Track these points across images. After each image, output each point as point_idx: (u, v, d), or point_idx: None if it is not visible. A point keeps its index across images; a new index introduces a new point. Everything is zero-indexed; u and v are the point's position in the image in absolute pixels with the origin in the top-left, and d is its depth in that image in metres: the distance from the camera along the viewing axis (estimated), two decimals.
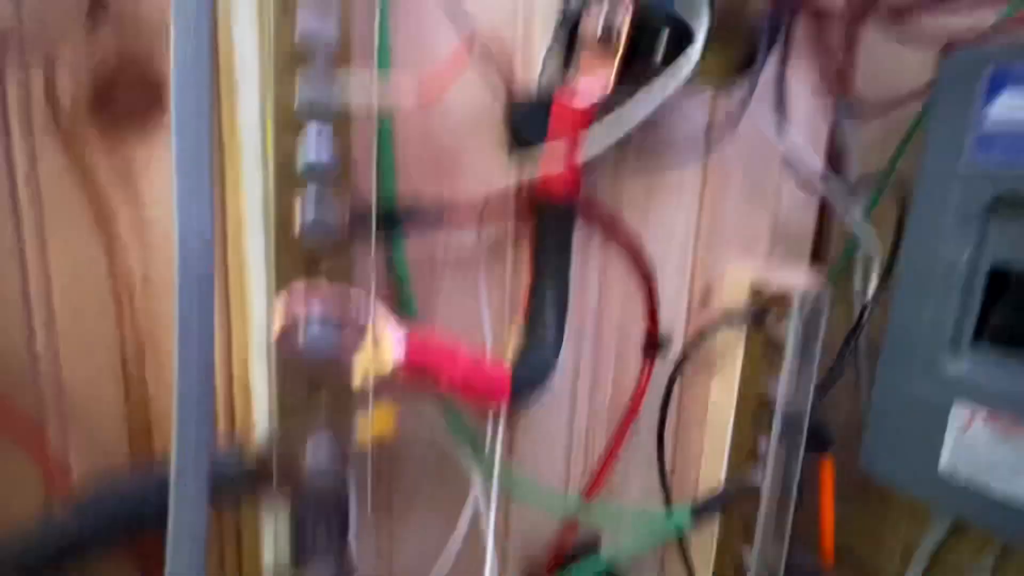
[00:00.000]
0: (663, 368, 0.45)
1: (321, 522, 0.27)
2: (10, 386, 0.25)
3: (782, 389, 0.44)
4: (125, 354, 0.27)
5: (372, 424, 0.28)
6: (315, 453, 0.26)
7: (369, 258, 0.28)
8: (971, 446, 0.49)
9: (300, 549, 0.27)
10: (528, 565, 0.42)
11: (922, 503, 0.56)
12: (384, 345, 0.26)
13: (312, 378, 0.26)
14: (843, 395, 0.61)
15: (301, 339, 0.24)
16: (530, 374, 0.32)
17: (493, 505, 0.35)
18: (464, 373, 0.28)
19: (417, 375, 0.27)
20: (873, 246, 0.49)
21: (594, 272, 0.40)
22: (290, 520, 0.27)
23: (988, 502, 0.48)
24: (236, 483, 0.25)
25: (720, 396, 0.47)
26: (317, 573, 0.27)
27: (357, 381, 0.26)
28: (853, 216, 0.48)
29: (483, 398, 0.29)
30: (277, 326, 0.24)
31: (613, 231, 0.39)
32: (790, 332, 0.43)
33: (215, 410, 0.29)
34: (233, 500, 0.25)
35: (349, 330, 0.26)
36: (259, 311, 0.25)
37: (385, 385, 0.26)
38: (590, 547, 0.45)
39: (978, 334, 0.51)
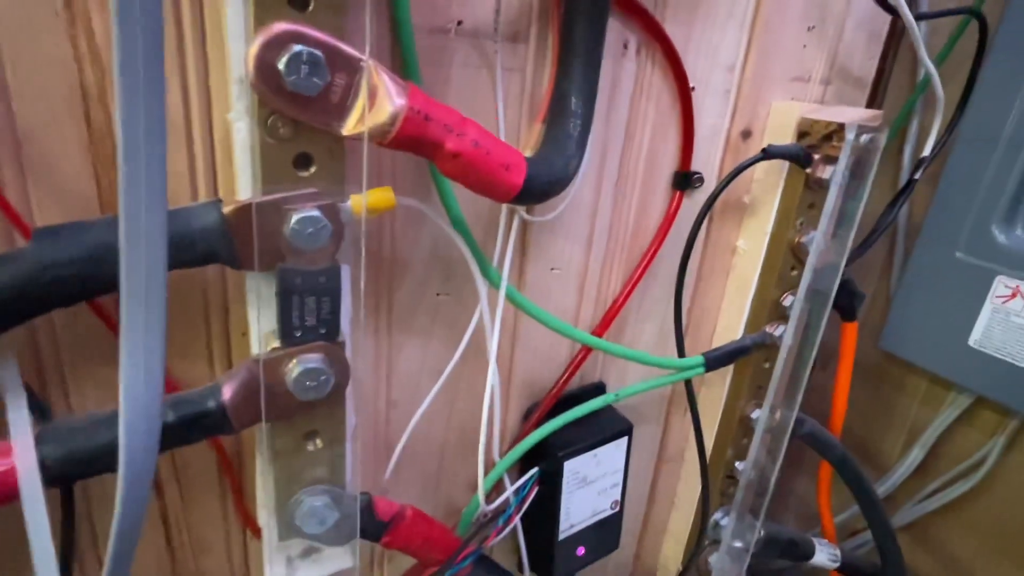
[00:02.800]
0: (691, 205, 0.41)
1: (309, 297, 0.24)
2: None
3: (819, 236, 0.40)
4: (86, 93, 0.23)
5: (368, 193, 0.24)
6: (301, 219, 0.23)
7: (364, 7, 0.23)
8: (1008, 319, 0.46)
9: (286, 324, 0.24)
10: (532, 401, 0.40)
11: (939, 384, 0.54)
12: (382, 92, 0.22)
13: (297, 134, 0.22)
14: (869, 274, 0.57)
15: (284, 79, 0.21)
16: (549, 169, 0.28)
17: (498, 317, 0.33)
18: (474, 142, 0.24)
19: (418, 135, 0.23)
20: (940, 93, 0.44)
21: (626, 84, 0.35)
22: (276, 293, 0.24)
23: (1018, 376, 0.46)
24: (212, 242, 0.22)
25: (749, 243, 0.44)
26: (305, 349, 0.25)
27: (349, 127, 0.22)
28: (924, 56, 0.42)
29: (493, 183, 0.25)
30: (254, 64, 0.20)
31: (651, 31, 0.34)
32: (837, 171, 0.39)
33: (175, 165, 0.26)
34: (202, 259, 0.22)
35: (341, 74, 0.22)
36: (237, 55, 0.21)
37: (381, 137, 0.22)
38: (596, 387, 0.43)
39: None
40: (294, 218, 0.23)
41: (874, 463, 0.60)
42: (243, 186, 0.23)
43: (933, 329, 0.51)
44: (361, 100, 0.22)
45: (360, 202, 0.24)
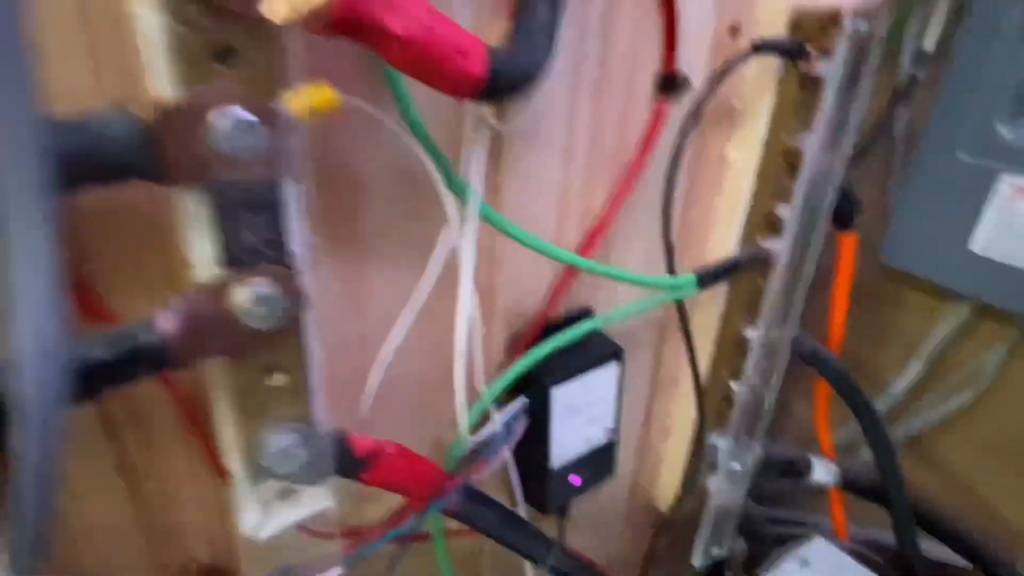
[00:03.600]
0: (678, 112, 0.38)
1: (248, 214, 0.22)
2: None
3: (816, 137, 0.37)
4: None
5: (304, 92, 0.21)
6: (227, 122, 0.20)
7: None
8: (1013, 221, 0.44)
9: (227, 246, 0.22)
10: (515, 329, 0.38)
11: (939, 293, 0.53)
12: None
13: (215, 21, 0.19)
14: (866, 189, 0.55)
15: None
16: (515, 59, 0.25)
17: (471, 235, 0.30)
18: (422, 23, 0.21)
19: (355, 14, 0.20)
20: None
21: None
22: (210, 211, 0.21)
23: (1021, 279, 0.44)
24: (124, 154, 0.19)
25: (741, 152, 0.41)
26: (253, 274, 0.22)
27: (278, 11, 0.19)
28: None
29: (448, 73, 0.22)
30: None
31: None
32: (835, 63, 0.35)
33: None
34: (115, 176, 0.19)
35: None
36: None
37: (315, 20, 0.19)
38: (583, 314, 0.41)
39: None
40: (219, 120, 0.20)
41: (873, 380, 0.59)
42: (155, 85, 0.20)
43: (934, 237, 0.48)
44: None
45: (296, 102, 0.21)
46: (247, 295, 0.22)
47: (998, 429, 0.53)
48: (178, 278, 0.27)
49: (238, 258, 0.22)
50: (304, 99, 0.21)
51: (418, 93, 0.26)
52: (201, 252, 0.22)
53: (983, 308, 0.50)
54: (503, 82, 0.24)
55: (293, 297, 0.23)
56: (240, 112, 0.20)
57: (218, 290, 0.22)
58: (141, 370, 0.21)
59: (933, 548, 0.53)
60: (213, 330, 0.22)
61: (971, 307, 0.51)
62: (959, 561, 0.52)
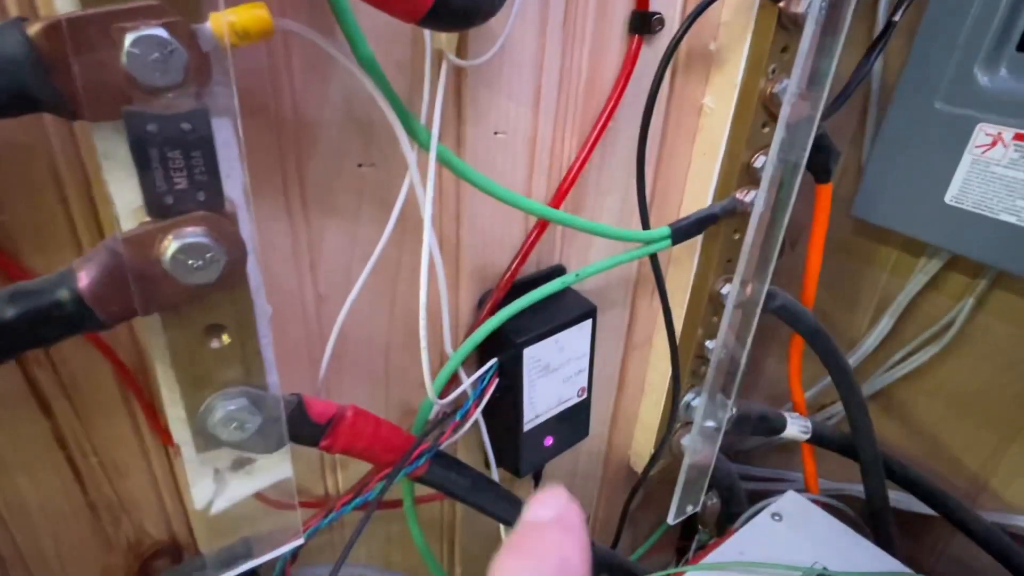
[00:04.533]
0: (651, 55, 0.36)
1: (173, 151, 0.19)
2: None
3: (795, 80, 0.35)
4: None
5: (233, 13, 0.19)
6: (140, 41, 0.17)
7: None
8: (988, 170, 0.43)
9: (150, 189, 0.19)
10: (485, 289, 0.37)
11: (910, 248, 0.53)
12: None
13: None
14: (839, 138, 0.54)
15: None
16: None
17: (430, 183, 0.28)
18: None
19: None
20: None
21: None
22: (131, 151, 0.19)
23: (994, 230, 0.44)
24: (21, 80, 0.17)
25: (717, 99, 0.39)
26: (182, 222, 0.20)
27: None
28: None
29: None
30: None
31: None
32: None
33: None
34: (12, 106, 0.17)
35: None
36: None
37: None
38: (555, 271, 0.39)
39: (1022, 46, 0.43)
40: (130, 39, 0.17)
41: (844, 336, 0.59)
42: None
43: (908, 189, 0.48)
44: None
45: (223, 22, 0.18)
46: (177, 245, 0.20)
47: (962, 379, 0.54)
48: (105, 233, 0.24)
49: (165, 203, 0.20)
50: (232, 19, 0.19)
51: (371, 27, 0.24)
52: (123, 197, 0.20)
53: (952, 261, 0.50)
54: (455, 4, 0.22)
55: (231, 248, 0.21)
56: (158, 30, 0.17)
57: (143, 239, 0.19)
58: (56, 330, 0.19)
59: (900, 498, 0.55)
60: (139, 285, 0.20)
61: (941, 261, 0.50)
62: (926, 509, 0.53)
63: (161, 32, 0.17)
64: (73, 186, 0.23)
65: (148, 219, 0.20)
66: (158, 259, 0.20)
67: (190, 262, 0.20)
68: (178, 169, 0.19)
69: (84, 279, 0.19)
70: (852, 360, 0.58)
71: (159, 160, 0.19)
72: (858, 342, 0.58)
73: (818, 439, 0.52)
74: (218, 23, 0.18)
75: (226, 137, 0.20)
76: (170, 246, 0.20)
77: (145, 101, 0.18)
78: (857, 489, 0.55)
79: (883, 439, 0.54)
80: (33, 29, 0.17)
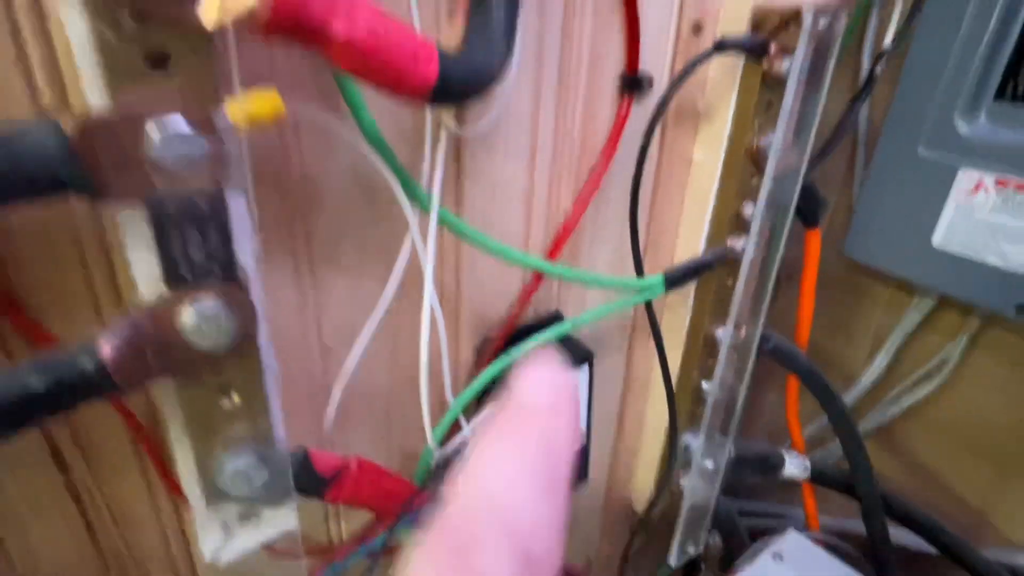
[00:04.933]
0: (642, 112, 0.38)
1: (191, 228, 0.20)
2: None
3: (779, 135, 0.37)
4: None
5: (247, 100, 0.20)
6: (163, 132, 0.19)
7: None
8: (972, 214, 0.45)
9: (169, 263, 0.21)
10: (483, 336, 0.38)
11: (904, 286, 0.54)
12: None
13: (147, 25, 0.18)
14: (830, 186, 0.55)
15: None
16: (469, 60, 0.24)
17: (431, 243, 0.29)
18: (368, 25, 0.20)
19: (296, 15, 0.19)
20: None
21: None
22: (152, 229, 0.20)
23: (981, 272, 0.45)
24: (52, 168, 0.18)
25: (706, 152, 0.41)
26: (198, 292, 0.21)
27: (211, 15, 0.18)
28: None
29: (400, 77, 0.21)
30: None
31: None
32: (796, 59, 0.35)
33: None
34: (44, 191, 0.18)
35: None
36: None
37: (253, 21, 0.18)
38: (552, 318, 0.40)
39: (1000, 94, 0.45)
40: (154, 131, 0.19)
41: (840, 374, 0.60)
42: (89, 95, 0.19)
43: (896, 232, 0.49)
44: None
45: (238, 109, 0.20)
46: (194, 315, 0.21)
47: (960, 415, 0.54)
48: (124, 299, 0.26)
49: (182, 276, 0.21)
50: (246, 106, 0.20)
51: (373, 98, 0.26)
52: (143, 271, 0.21)
53: (946, 299, 0.51)
54: (456, 85, 0.23)
55: (243, 314, 0.22)
56: (177, 120, 0.19)
57: (162, 310, 0.21)
58: (79, 398, 0.20)
59: (902, 535, 0.54)
60: (157, 353, 0.21)
61: (934, 299, 0.51)
62: (928, 547, 0.53)
63: (182, 122, 0.19)
64: (94, 253, 0.24)
65: (166, 290, 0.21)
66: (176, 328, 0.21)
67: (205, 330, 0.21)
68: (195, 243, 0.21)
69: (107, 349, 0.20)
70: (849, 397, 0.59)
71: (178, 236, 0.20)
72: (856, 378, 0.59)
73: (819, 478, 0.53)
74: (235, 111, 0.20)
75: (239, 211, 0.22)
76: (187, 315, 0.21)
77: (166, 182, 0.20)
78: (859, 524, 0.55)
79: (883, 475, 0.54)
80: (68, 125, 0.18)
